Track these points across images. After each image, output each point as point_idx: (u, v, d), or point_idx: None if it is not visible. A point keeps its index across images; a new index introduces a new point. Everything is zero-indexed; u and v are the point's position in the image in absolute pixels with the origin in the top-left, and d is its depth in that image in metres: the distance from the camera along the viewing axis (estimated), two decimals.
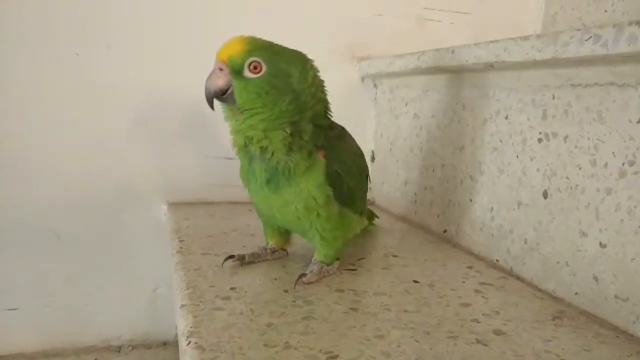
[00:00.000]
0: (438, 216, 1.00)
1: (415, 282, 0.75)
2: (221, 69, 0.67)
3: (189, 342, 0.54)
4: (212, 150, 1.18)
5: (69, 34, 1.09)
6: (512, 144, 0.80)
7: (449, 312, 0.65)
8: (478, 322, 0.62)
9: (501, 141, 0.83)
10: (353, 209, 0.77)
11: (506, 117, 0.82)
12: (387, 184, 1.19)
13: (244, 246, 0.88)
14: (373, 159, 1.28)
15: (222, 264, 0.77)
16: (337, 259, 0.77)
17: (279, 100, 0.66)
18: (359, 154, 0.81)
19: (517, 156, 0.79)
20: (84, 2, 1.09)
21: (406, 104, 1.12)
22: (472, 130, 0.89)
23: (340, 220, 0.73)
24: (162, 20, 1.14)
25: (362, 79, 1.27)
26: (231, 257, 0.78)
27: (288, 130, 0.67)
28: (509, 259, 0.81)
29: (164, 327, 1.26)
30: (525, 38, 0.70)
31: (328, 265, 0.75)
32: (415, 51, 0.99)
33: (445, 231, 0.97)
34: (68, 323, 1.19)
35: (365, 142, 1.29)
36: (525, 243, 0.78)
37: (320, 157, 0.69)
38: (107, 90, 1.13)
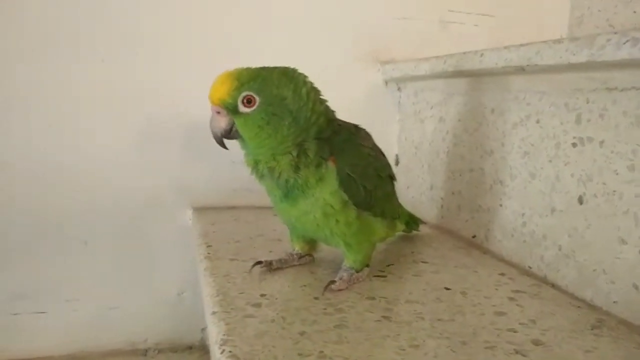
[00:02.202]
0: (466, 221, 0.98)
1: (447, 289, 0.74)
2: (218, 112, 0.67)
3: (223, 350, 0.54)
4: (238, 155, 1.17)
5: (95, 40, 1.10)
6: (545, 148, 0.79)
7: (485, 321, 0.64)
8: (515, 332, 0.61)
9: (533, 145, 0.81)
10: (375, 212, 0.75)
11: (537, 121, 0.80)
12: (412, 188, 1.18)
13: (270, 251, 0.88)
14: (397, 162, 1.27)
15: (250, 270, 0.77)
16: (367, 265, 0.77)
17: (280, 126, 0.66)
18: (374, 155, 0.76)
19: (550, 161, 0.78)
20: (110, 10, 1.10)
21: (431, 108, 1.11)
22: (502, 135, 0.88)
23: (360, 224, 0.72)
24: (182, 26, 1.14)
25: (386, 82, 1.26)
26: (259, 263, 0.78)
27: (294, 152, 0.68)
28: (542, 266, 0.80)
29: (190, 331, 1.26)
30: (559, 41, 0.69)
31: (358, 272, 0.75)
32: (441, 54, 0.98)
33: (474, 236, 0.96)
34: (94, 327, 1.20)
35: (389, 147, 1.28)
36: (560, 250, 0.76)
37: (330, 164, 0.69)
38: (133, 96, 1.13)
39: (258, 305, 0.66)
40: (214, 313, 0.63)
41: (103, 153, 1.13)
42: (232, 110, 0.66)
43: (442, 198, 1.07)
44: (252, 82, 0.65)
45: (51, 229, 1.13)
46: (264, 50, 1.17)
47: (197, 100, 1.14)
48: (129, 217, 1.17)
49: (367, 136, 0.78)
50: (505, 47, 0.78)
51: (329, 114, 0.72)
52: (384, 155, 0.81)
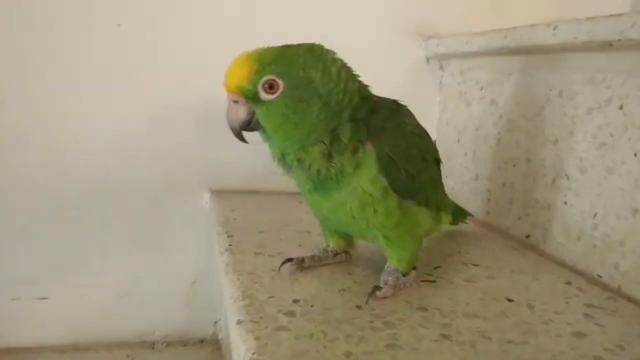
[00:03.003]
0: (519, 218, 0.87)
1: (510, 300, 0.63)
2: (236, 101, 0.58)
3: None
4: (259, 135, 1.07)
5: (109, 4, 0.98)
6: (629, 139, 0.67)
7: (563, 345, 0.53)
8: None
9: (612, 135, 0.69)
10: (419, 200, 0.64)
11: (620, 107, 0.68)
12: (452, 178, 1.07)
13: (300, 245, 0.78)
14: None
15: (280, 268, 0.67)
16: (414, 267, 0.66)
17: (309, 113, 0.57)
18: (419, 133, 0.66)
19: (635, 154, 0.66)
20: None
21: (481, 89, 0.99)
22: (571, 121, 0.76)
23: (402, 215, 0.62)
24: None
25: (427, 59, 1.14)
26: (289, 260, 0.67)
27: (327, 141, 0.58)
28: (616, 276, 0.69)
29: (202, 323, 1.17)
30: None
31: (404, 275, 0.64)
32: (501, 28, 0.86)
33: (528, 236, 0.85)
34: (100, 316, 1.11)
35: (427, 130, 1.16)
36: None
37: (369, 147, 0.59)
38: (150, 67, 1.02)
39: (292, 313, 0.55)
40: (240, 322, 0.53)
41: (114, 129, 1.03)
42: (252, 98, 0.57)
43: (489, 190, 0.95)
44: (274, 64, 0.56)
45: (56, 209, 1.03)
46: (293, 20, 1.06)
47: (218, 74, 1.04)
48: (141, 199, 1.07)
49: (409, 113, 0.67)
50: (589, 19, 0.67)
51: (362, 91, 0.62)
52: (428, 135, 0.70)
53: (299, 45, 0.59)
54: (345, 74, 0.59)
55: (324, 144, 0.58)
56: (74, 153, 1.02)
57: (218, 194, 1.07)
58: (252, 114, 0.58)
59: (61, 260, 1.06)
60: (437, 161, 0.71)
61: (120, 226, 1.07)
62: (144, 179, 1.06)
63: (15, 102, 0.98)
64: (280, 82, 0.56)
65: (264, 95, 0.56)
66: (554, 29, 0.73)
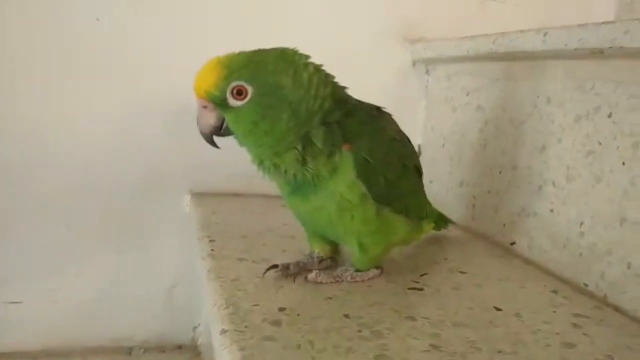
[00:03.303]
0: (504, 225, 0.87)
1: (498, 309, 0.62)
2: (205, 107, 0.58)
3: None
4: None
5: None
6: (617, 148, 0.67)
7: (553, 356, 0.52)
8: None
9: (600, 144, 0.69)
10: (397, 208, 0.64)
11: (610, 115, 0.68)
12: (437, 183, 1.06)
13: (284, 250, 0.76)
14: (419, 154, 1.15)
15: (264, 274, 0.65)
16: (378, 267, 0.68)
17: (278, 120, 0.56)
18: (399, 139, 0.66)
19: (624, 163, 0.66)
20: None
21: (467, 94, 0.98)
22: (560, 129, 0.76)
23: (379, 223, 0.62)
24: None
25: (414, 63, 1.13)
26: (274, 266, 0.66)
27: (299, 146, 0.58)
28: (602, 285, 0.68)
29: (181, 328, 1.14)
30: None
31: (358, 270, 0.66)
32: (489, 33, 0.85)
33: (513, 243, 0.84)
34: (75, 320, 1.07)
35: (412, 136, 1.12)
36: (629, 268, 0.65)
37: (345, 151, 0.59)
38: (129, 67, 0.99)
39: (277, 323, 0.53)
40: (224, 332, 0.51)
41: (91, 127, 1.00)
42: (221, 104, 0.57)
43: (474, 197, 0.95)
44: (242, 69, 0.55)
45: (30, 210, 1.00)
46: (279, 24, 1.05)
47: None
48: (119, 200, 1.04)
49: (390, 120, 0.67)
50: (580, 26, 0.66)
51: (337, 94, 0.61)
52: (410, 143, 0.70)
53: (270, 50, 0.58)
54: (317, 79, 0.58)
55: (297, 149, 0.58)
56: (50, 151, 0.99)
57: (199, 196, 1.05)
58: (222, 120, 0.58)
59: (36, 262, 1.02)
60: (418, 169, 0.71)
61: (97, 228, 1.04)
62: (122, 180, 1.03)
63: None
64: (249, 88, 0.55)
65: (232, 102, 0.56)
66: (544, 35, 0.72)
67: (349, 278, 0.65)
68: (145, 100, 1.01)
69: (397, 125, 0.68)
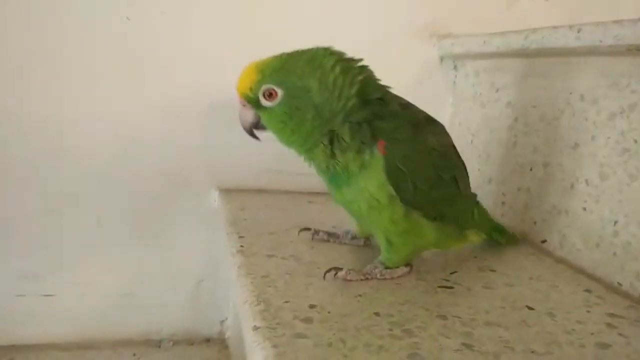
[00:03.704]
0: (535, 223, 0.86)
1: (530, 309, 0.62)
2: (244, 105, 0.64)
3: None
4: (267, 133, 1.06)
5: None
6: None
7: (588, 356, 0.52)
8: None
9: (636, 142, 0.68)
10: (429, 214, 0.65)
11: None
12: None
13: (312, 247, 0.77)
14: None
15: (299, 233, 0.78)
16: (407, 265, 0.68)
17: (303, 121, 0.61)
18: (441, 150, 0.65)
19: None
20: None
21: (497, 91, 0.97)
22: (593, 126, 0.75)
23: (407, 224, 0.64)
24: None
25: (441, 59, 1.12)
26: (307, 229, 0.76)
27: (326, 141, 0.62)
28: (637, 284, 0.67)
29: (208, 322, 1.15)
30: None
31: (387, 268, 0.66)
32: (521, 29, 0.84)
33: (544, 241, 0.83)
34: (105, 314, 1.09)
35: None
36: None
37: (378, 152, 0.61)
38: (158, 61, 1.00)
39: (309, 320, 0.54)
40: (256, 328, 0.51)
41: (121, 123, 1.01)
42: (255, 104, 0.63)
43: (504, 194, 0.94)
44: (274, 74, 0.61)
45: (62, 205, 1.02)
46: (306, 20, 1.04)
47: (227, 70, 1.03)
48: (148, 196, 1.06)
49: (438, 131, 0.67)
50: (615, 22, 0.65)
51: (367, 93, 0.62)
52: (455, 154, 0.69)
53: (303, 53, 0.62)
54: (342, 80, 0.60)
55: (324, 144, 0.62)
56: (81, 147, 1.00)
57: (226, 192, 1.06)
58: (259, 117, 0.64)
59: (67, 256, 1.04)
60: (454, 179, 0.68)
61: (127, 223, 1.06)
62: (150, 175, 1.05)
63: (18, 92, 0.96)
64: (279, 91, 0.60)
65: (264, 102, 0.62)
66: (578, 31, 0.71)
67: (378, 275, 0.66)
68: (174, 98, 1.02)
69: (447, 137, 0.68)
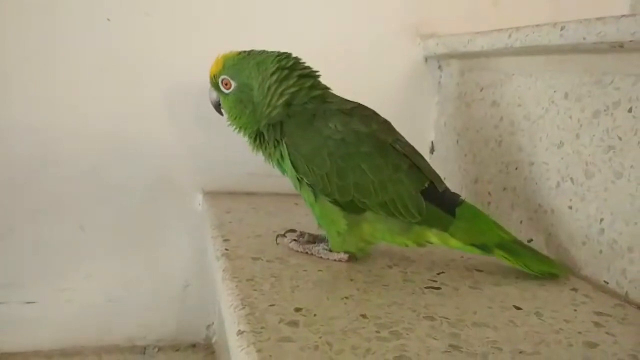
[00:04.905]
0: (521, 222, 0.85)
1: (518, 308, 0.61)
2: (211, 85, 0.77)
3: None
4: None
5: None
6: (639, 143, 0.65)
7: (577, 356, 0.51)
8: None
9: (620, 139, 0.68)
10: (334, 199, 0.68)
11: (630, 110, 0.67)
12: (450, 180, 1.05)
13: (298, 250, 0.75)
14: (432, 150, 1.14)
15: (277, 238, 0.78)
16: (353, 254, 0.72)
17: (243, 113, 0.74)
18: (339, 139, 0.66)
19: None
20: None
21: (481, 90, 0.97)
22: (577, 124, 0.75)
23: (320, 209, 0.70)
24: None
25: (426, 59, 1.12)
26: (292, 231, 0.77)
27: (252, 136, 0.75)
28: (623, 282, 0.67)
29: (194, 327, 1.14)
30: None
31: (331, 250, 0.72)
32: (507, 27, 0.84)
33: (530, 240, 0.83)
34: (89, 320, 1.08)
35: (424, 132, 1.15)
36: None
37: (284, 143, 0.70)
38: (141, 64, 0.99)
39: (294, 323, 0.53)
40: (240, 333, 0.50)
41: (104, 126, 1.00)
42: (217, 88, 0.76)
43: (489, 193, 0.94)
44: (230, 68, 0.73)
45: (44, 210, 1.00)
46: (290, 20, 1.04)
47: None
48: (132, 200, 1.04)
49: (347, 120, 0.68)
50: (599, 19, 0.65)
51: (294, 100, 0.71)
52: (374, 144, 0.68)
53: (258, 55, 0.73)
54: (275, 89, 0.71)
55: (252, 138, 0.75)
56: (62, 151, 0.99)
57: (212, 195, 1.05)
58: (219, 99, 0.77)
59: (50, 262, 1.02)
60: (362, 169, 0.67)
61: (111, 228, 1.04)
62: (135, 180, 1.03)
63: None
64: (233, 83, 0.73)
65: (222, 88, 0.75)
66: (562, 29, 0.71)
67: (315, 253, 0.73)
68: (158, 101, 1.01)
69: (362, 125, 0.68)
